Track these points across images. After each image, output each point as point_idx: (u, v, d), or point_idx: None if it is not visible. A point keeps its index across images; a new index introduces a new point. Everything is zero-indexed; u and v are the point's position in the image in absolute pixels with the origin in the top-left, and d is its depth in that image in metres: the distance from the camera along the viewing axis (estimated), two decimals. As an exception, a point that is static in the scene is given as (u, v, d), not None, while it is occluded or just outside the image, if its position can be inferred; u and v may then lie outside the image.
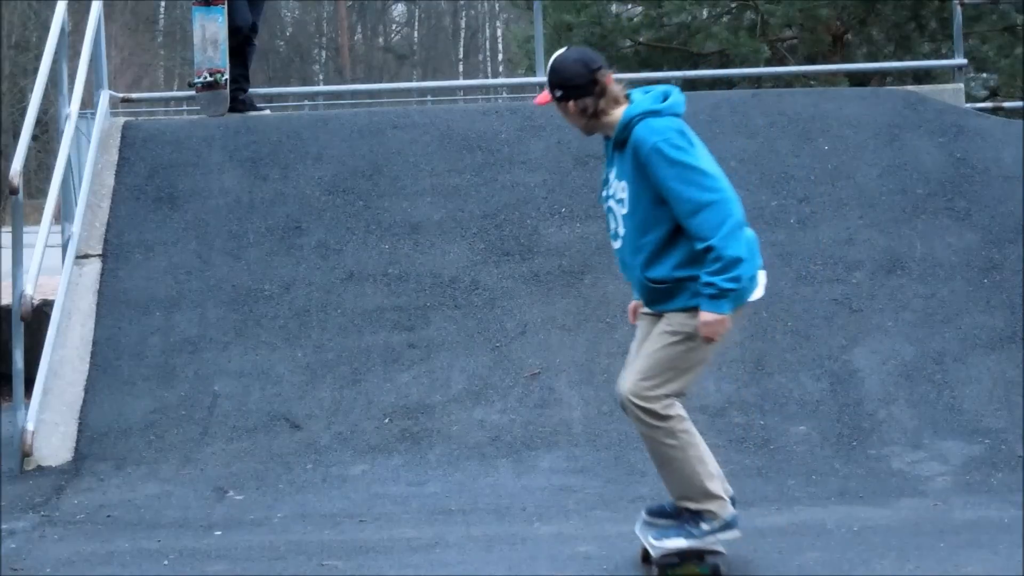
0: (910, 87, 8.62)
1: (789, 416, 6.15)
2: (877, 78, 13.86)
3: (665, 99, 4.51)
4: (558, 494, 5.58)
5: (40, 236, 6.41)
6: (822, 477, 5.70)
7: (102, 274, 7.03)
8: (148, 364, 6.56)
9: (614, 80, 4.48)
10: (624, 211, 4.40)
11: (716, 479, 4.46)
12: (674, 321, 4.39)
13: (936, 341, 6.52)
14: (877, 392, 6.26)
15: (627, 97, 4.49)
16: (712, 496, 4.43)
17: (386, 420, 6.22)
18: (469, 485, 5.71)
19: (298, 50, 41.33)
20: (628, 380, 4.41)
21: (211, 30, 8.30)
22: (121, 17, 32.38)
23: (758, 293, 4.52)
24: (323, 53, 42.23)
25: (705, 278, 4.24)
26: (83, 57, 7.56)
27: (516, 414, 6.21)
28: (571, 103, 4.44)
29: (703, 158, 4.37)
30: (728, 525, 4.46)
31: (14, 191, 6.16)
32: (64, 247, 7.12)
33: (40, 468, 6.03)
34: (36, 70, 8.91)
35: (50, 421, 6.25)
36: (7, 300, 7.43)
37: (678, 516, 4.47)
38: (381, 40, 43.83)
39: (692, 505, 4.43)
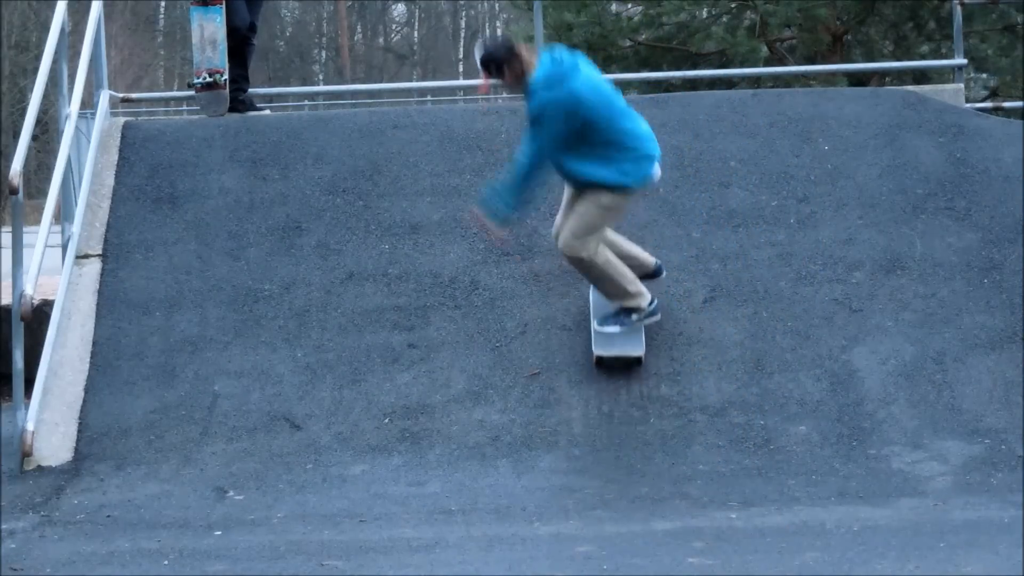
0: (910, 87, 8.62)
1: (789, 416, 6.15)
2: (877, 78, 13.85)
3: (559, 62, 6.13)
4: (558, 494, 5.58)
5: (40, 236, 6.41)
6: (822, 477, 5.71)
7: (102, 274, 7.03)
8: (148, 364, 6.56)
9: (526, 47, 6.22)
10: None
11: (635, 282, 6.35)
12: (590, 196, 6.21)
13: (936, 341, 6.52)
14: (877, 392, 6.26)
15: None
16: (633, 294, 6.34)
17: (386, 420, 6.22)
18: (469, 485, 5.71)
19: (298, 50, 41.29)
20: (563, 237, 6.28)
21: (209, 30, 8.30)
22: (121, 17, 32.36)
23: (657, 175, 6.36)
24: (323, 53, 42.21)
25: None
26: (83, 57, 7.55)
27: (516, 414, 6.22)
28: (506, 70, 6.12)
29: (551, 129, 6.07)
30: (651, 313, 6.41)
31: (14, 191, 6.16)
32: (64, 247, 7.11)
33: (40, 468, 6.03)
34: (36, 70, 8.92)
35: (50, 421, 6.25)
36: (7, 300, 7.43)
37: (617, 313, 6.38)
38: (381, 40, 43.80)
39: (621, 303, 6.34)
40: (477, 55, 6.23)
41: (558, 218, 6.46)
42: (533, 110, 6.10)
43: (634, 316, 6.37)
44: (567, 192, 6.41)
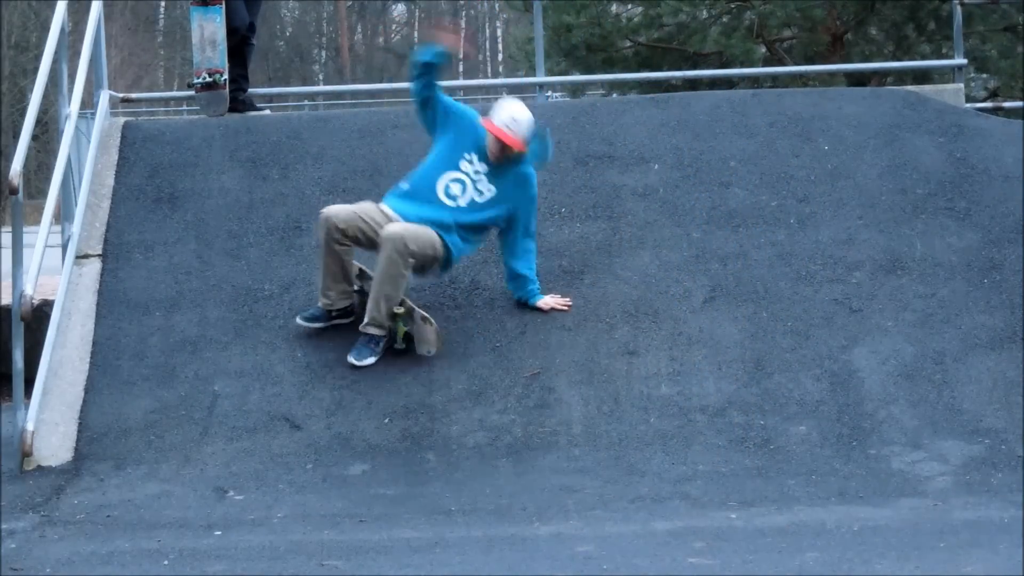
0: (910, 87, 8.63)
1: (789, 416, 6.15)
2: (877, 78, 13.86)
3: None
4: (558, 494, 5.58)
5: (40, 236, 6.41)
6: (822, 477, 5.70)
7: (102, 274, 7.03)
8: (148, 364, 6.56)
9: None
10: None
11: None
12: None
13: (936, 341, 6.52)
14: (877, 392, 6.26)
15: None
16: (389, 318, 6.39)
17: (386, 420, 6.22)
18: (469, 485, 5.71)
19: (298, 50, 41.28)
20: (406, 233, 6.22)
21: (209, 30, 8.30)
22: (121, 17, 32.34)
23: None
24: (323, 53, 42.20)
25: None
26: (83, 57, 7.55)
27: (516, 414, 6.21)
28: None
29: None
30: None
31: (14, 191, 6.16)
32: (64, 247, 7.11)
33: (40, 468, 6.03)
34: (36, 70, 8.91)
35: (50, 421, 6.25)
36: (7, 300, 7.42)
37: (368, 342, 6.39)
38: (381, 40, 43.78)
39: (378, 324, 6.32)
40: (524, 122, 6.45)
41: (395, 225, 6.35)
42: (536, 186, 6.60)
43: (380, 343, 6.41)
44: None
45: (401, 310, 6.41)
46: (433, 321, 6.47)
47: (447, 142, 6.57)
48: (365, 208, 6.43)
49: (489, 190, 6.50)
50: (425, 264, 6.40)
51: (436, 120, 6.61)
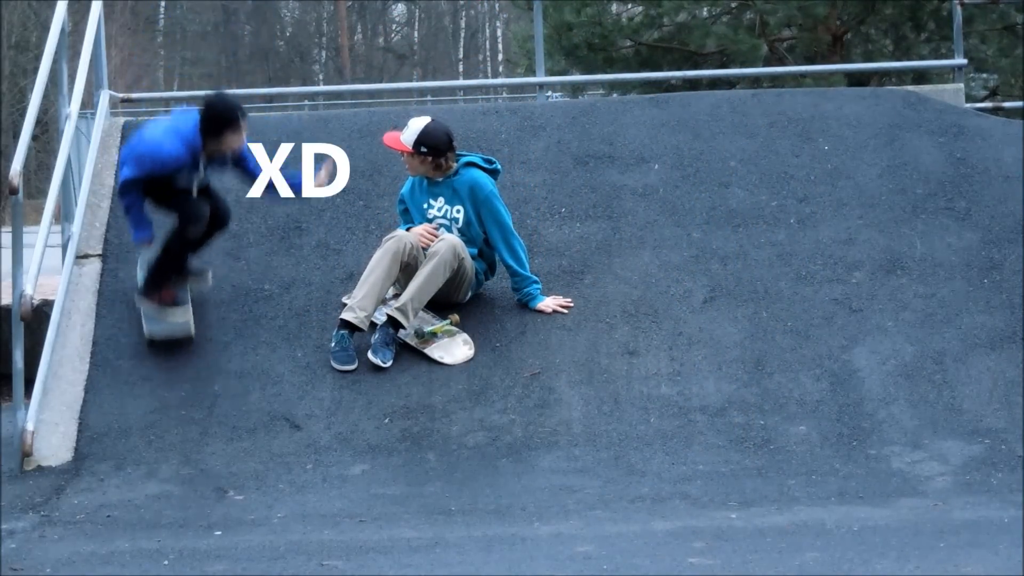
0: (910, 87, 8.63)
1: (789, 416, 6.15)
2: (877, 78, 13.86)
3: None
4: (558, 494, 5.58)
5: (40, 236, 6.41)
6: (822, 477, 5.71)
7: (102, 274, 7.03)
8: (148, 364, 6.56)
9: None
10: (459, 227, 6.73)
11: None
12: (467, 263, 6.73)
13: (936, 341, 6.52)
14: (877, 392, 6.26)
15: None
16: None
17: (386, 420, 6.22)
18: (469, 485, 5.71)
19: (298, 50, 41.27)
20: (457, 243, 6.54)
21: None
22: (121, 17, 32.31)
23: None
24: (323, 53, 42.18)
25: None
26: (83, 57, 7.55)
27: (516, 414, 6.21)
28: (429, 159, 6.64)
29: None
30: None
31: (14, 191, 6.15)
32: (64, 247, 7.11)
33: (40, 468, 6.03)
34: (36, 70, 8.91)
35: (50, 421, 6.25)
36: (7, 300, 7.42)
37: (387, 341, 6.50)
38: (381, 40, 43.76)
39: (403, 320, 6.45)
40: (412, 128, 6.60)
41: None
42: (488, 186, 6.67)
43: (395, 341, 6.52)
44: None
45: (449, 327, 6.60)
46: (473, 347, 6.55)
47: (414, 208, 6.83)
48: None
49: (458, 211, 6.69)
50: (458, 279, 6.59)
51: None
